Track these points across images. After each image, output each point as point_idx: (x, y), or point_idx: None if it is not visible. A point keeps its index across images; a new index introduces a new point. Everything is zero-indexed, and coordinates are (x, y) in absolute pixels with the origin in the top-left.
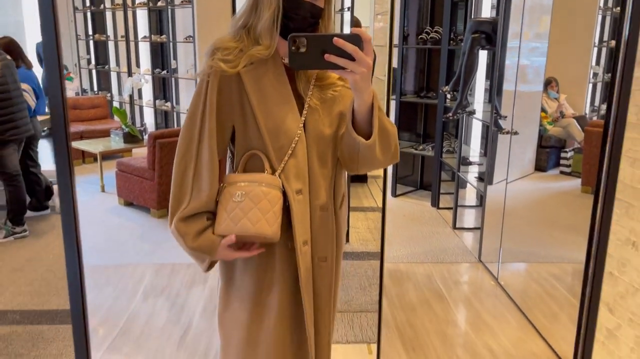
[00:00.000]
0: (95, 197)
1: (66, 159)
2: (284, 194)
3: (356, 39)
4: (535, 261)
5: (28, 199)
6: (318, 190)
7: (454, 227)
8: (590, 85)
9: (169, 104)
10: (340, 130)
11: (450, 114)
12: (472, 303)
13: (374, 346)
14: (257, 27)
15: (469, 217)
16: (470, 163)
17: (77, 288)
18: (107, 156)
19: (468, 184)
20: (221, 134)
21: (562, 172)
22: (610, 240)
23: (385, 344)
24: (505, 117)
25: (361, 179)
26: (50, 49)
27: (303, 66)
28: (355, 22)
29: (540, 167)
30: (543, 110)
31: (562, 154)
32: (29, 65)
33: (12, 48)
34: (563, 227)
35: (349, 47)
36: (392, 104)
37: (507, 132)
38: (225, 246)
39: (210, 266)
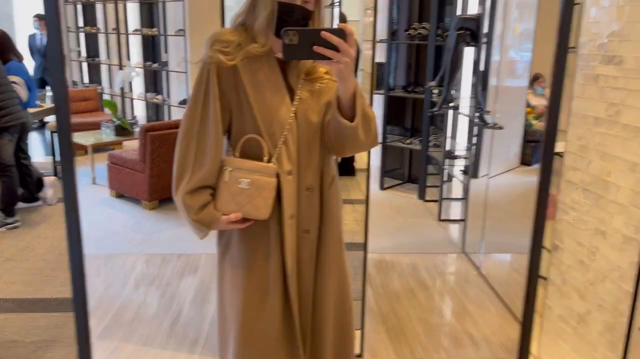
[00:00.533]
0: (87, 189)
1: (69, 147)
2: (278, 176)
3: (341, 33)
4: (517, 251)
5: (20, 190)
6: (305, 172)
7: (440, 219)
8: None
9: (160, 96)
10: (326, 117)
11: (436, 109)
12: (455, 292)
13: (358, 333)
14: (253, 26)
15: (454, 210)
16: (456, 157)
17: (79, 277)
18: (98, 148)
19: (454, 177)
20: (223, 115)
21: None
22: (581, 229)
23: (370, 331)
24: (489, 112)
25: (350, 172)
26: (54, 42)
27: (295, 57)
28: (341, 17)
29: (525, 161)
30: (528, 105)
31: None
32: (20, 58)
33: (3, 41)
34: None
35: (335, 40)
36: (377, 97)
37: (492, 127)
38: (226, 221)
39: (206, 234)
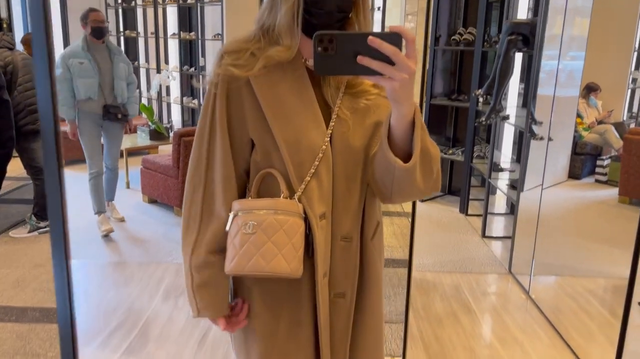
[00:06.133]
0: (120, 194)
1: (55, 162)
2: (305, 220)
3: (396, 39)
4: (569, 274)
5: None
6: (342, 216)
7: (483, 235)
8: (629, 91)
9: (196, 101)
10: (372, 146)
11: (484, 119)
12: (501, 317)
13: None
14: (275, 26)
15: (497, 225)
16: (501, 169)
17: (64, 291)
18: (133, 152)
19: (497, 191)
20: (238, 150)
21: (597, 181)
22: None
23: (410, 358)
24: (541, 122)
25: None
26: (40, 45)
27: (330, 71)
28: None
29: (574, 174)
30: (579, 115)
31: (598, 162)
32: None
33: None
34: (599, 239)
35: (388, 49)
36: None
37: (541, 138)
38: (224, 322)
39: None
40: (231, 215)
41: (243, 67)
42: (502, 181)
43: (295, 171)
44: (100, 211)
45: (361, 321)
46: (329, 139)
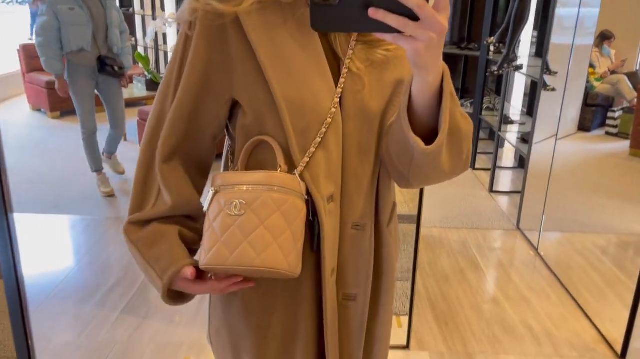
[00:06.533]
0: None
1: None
2: (308, 202)
3: None
4: (579, 230)
5: None
6: (354, 198)
7: (491, 190)
8: None
9: None
10: (390, 112)
11: (496, 69)
12: (509, 274)
13: (405, 319)
14: None
15: (505, 180)
16: (511, 122)
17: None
18: (129, 103)
19: (506, 145)
20: (212, 109)
21: (607, 133)
22: None
23: (417, 316)
24: (556, 72)
25: None
26: None
27: (330, 26)
28: None
29: (583, 127)
30: (591, 65)
31: (609, 114)
32: None
33: None
34: (609, 193)
35: (410, 0)
36: None
37: (552, 89)
38: (189, 278)
39: (178, 299)
40: (210, 192)
41: (230, 1)
42: (511, 134)
43: (298, 139)
44: (97, 169)
45: (373, 326)
46: (338, 99)
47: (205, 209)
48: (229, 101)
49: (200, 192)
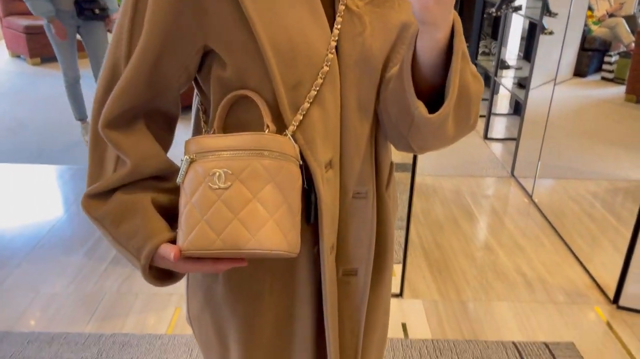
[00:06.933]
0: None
1: None
2: (302, 168)
3: None
4: (573, 177)
5: None
6: (354, 163)
7: (485, 137)
8: None
9: None
10: (393, 61)
11: (494, 10)
12: (502, 222)
13: (398, 268)
14: None
15: (500, 127)
16: (508, 66)
17: None
18: None
19: (501, 91)
20: (179, 61)
21: (603, 78)
22: None
23: (411, 265)
24: (556, 14)
25: None
26: None
27: None
28: None
29: (580, 72)
30: (589, 8)
31: (606, 58)
32: None
33: None
34: (603, 139)
35: None
36: None
37: (550, 33)
38: (170, 258)
39: (166, 278)
40: (184, 161)
41: None
42: (507, 79)
43: (288, 93)
44: (81, 117)
45: (375, 301)
46: (335, 44)
47: (179, 181)
48: (201, 49)
49: (166, 149)
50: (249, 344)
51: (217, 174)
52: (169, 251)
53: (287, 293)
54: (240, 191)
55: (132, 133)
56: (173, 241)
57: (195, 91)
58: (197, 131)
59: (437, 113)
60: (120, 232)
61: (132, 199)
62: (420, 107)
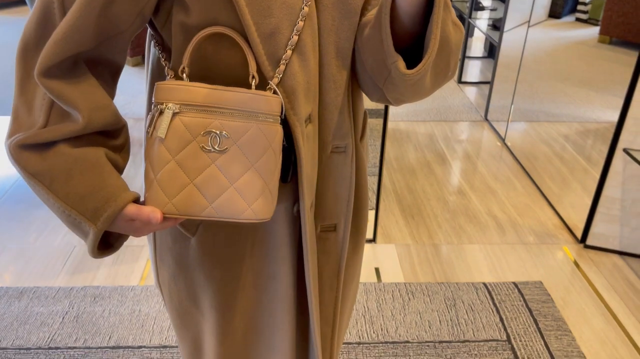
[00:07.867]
0: None
1: None
2: (282, 124)
3: None
4: (545, 120)
5: None
6: (333, 116)
7: (459, 81)
8: None
9: None
10: (373, 3)
11: None
12: (475, 166)
13: (371, 213)
14: None
15: (474, 70)
16: (482, 8)
17: None
18: None
19: (475, 33)
20: (132, 6)
21: (577, 19)
22: None
23: (383, 210)
24: None
25: None
26: None
27: None
28: None
29: (554, 13)
30: None
31: None
32: None
33: None
34: (576, 82)
35: None
36: None
37: None
38: (155, 212)
39: (103, 248)
40: (164, 110)
41: None
42: (481, 21)
43: (265, 42)
44: None
45: (352, 256)
46: None
47: (158, 134)
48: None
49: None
50: (226, 310)
51: (212, 135)
52: (146, 212)
53: (266, 254)
54: (238, 157)
55: (78, 82)
56: (136, 202)
57: (149, 32)
58: (159, 77)
59: (415, 69)
60: (69, 191)
61: (83, 153)
62: (398, 61)
